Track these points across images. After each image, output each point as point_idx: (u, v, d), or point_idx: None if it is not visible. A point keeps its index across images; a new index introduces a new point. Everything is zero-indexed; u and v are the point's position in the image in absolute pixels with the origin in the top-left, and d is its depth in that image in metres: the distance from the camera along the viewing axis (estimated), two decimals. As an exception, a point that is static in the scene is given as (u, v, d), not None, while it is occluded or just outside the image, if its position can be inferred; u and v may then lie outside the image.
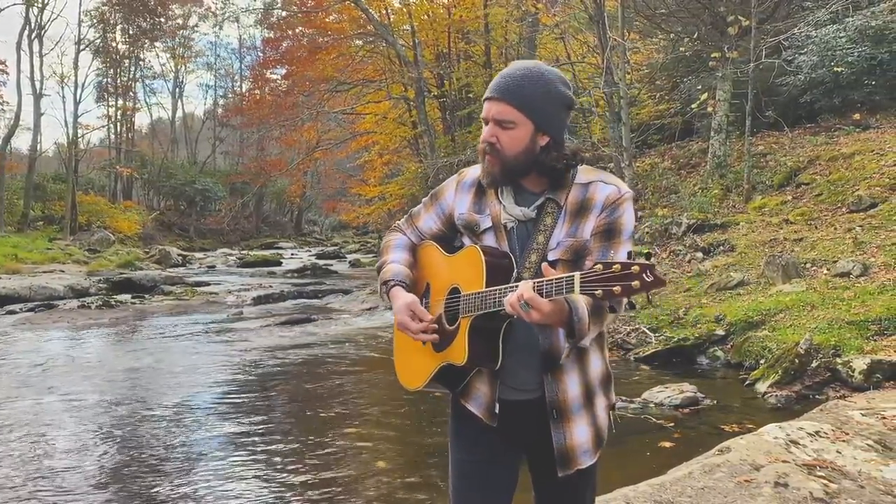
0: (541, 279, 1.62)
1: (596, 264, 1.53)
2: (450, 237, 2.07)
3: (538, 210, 1.87)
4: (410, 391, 2.05)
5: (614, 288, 1.50)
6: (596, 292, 1.52)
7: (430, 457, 5.11)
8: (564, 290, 1.58)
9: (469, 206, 1.98)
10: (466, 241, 1.98)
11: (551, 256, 1.83)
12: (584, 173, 1.89)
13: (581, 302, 1.69)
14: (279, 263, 26.88)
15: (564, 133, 1.89)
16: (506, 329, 1.81)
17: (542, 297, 1.60)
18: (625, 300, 1.64)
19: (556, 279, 1.59)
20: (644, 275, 1.49)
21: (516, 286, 1.67)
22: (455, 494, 1.99)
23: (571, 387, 1.87)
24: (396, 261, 2.04)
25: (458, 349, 1.83)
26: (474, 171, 2.02)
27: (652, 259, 1.55)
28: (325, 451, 5.30)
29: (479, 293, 1.78)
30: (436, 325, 1.89)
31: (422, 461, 5.08)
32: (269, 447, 5.39)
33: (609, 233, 1.83)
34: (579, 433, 1.88)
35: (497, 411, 1.88)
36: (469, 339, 1.80)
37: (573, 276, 1.56)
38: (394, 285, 1.96)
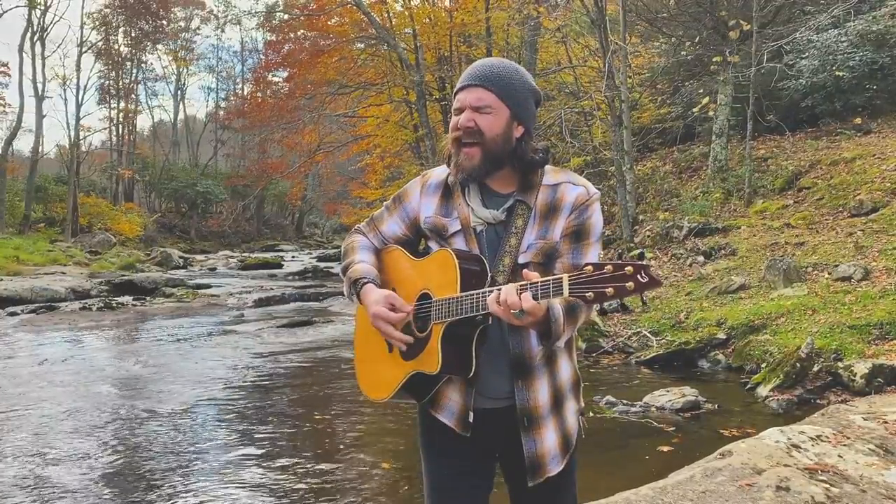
0: (525, 283, 1.57)
1: (586, 265, 1.48)
2: (414, 241, 2.01)
3: (508, 212, 1.83)
4: (376, 402, 1.98)
5: (607, 289, 1.45)
6: (587, 294, 1.47)
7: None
8: (552, 293, 1.53)
9: (436, 209, 1.92)
10: (433, 245, 1.93)
11: (522, 259, 1.79)
12: (551, 174, 1.88)
13: (557, 303, 1.64)
14: (280, 266, 26.88)
15: (534, 126, 1.88)
16: (478, 335, 1.75)
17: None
18: (612, 303, 1.61)
19: (542, 282, 1.54)
20: (638, 275, 1.44)
21: (493, 290, 1.62)
22: None
23: (542, 393, 1.83)
24: (364, 261, 1.97)
25: (431, 357, 1.75)
26: (439, 173, 1.97)
27: (645, 259, 1.52)
28: (328, 452, 5.29)
29: (454, 298, 1.71)
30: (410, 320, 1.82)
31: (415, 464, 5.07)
32: (270, 450, 5.38)
33: (578, 234, 1.81)
34: (548, 439, 1.84)
35: (471, 420, 1.83)
36: (442, 347, 1.73)
37: (561, 277, 1.51)
38: (365, 283, 1.88)
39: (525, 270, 1.60)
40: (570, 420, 1.90)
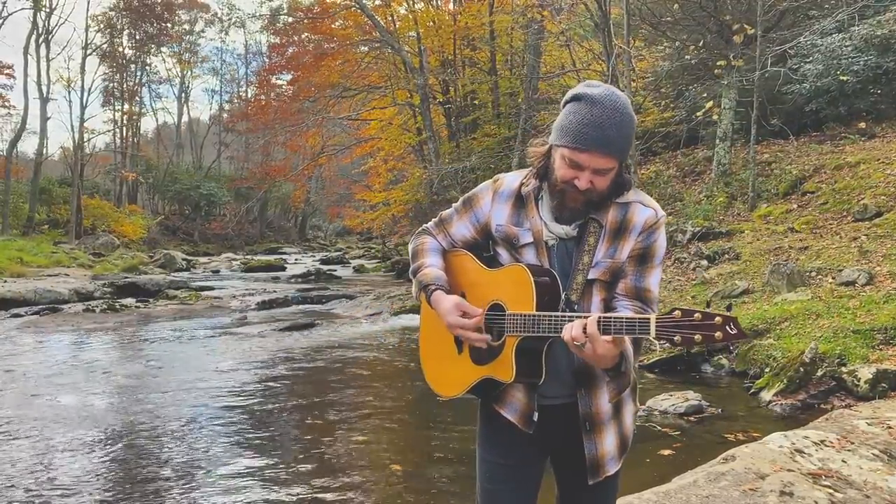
0: (609, 315, 1.63)
1: (674, 310, 1.53)
2: (482, 245, 2.03)
3: (580, 229, 1.85)
4: (443, 397, 2.04)
5: (695, 336, 1.51)
6: (675, 338, 1.53)
7: (438, 458, 5.10)
8: (638, 331, 1.58)
9: (508, 217, 1.93)
10: (502, 251, 1.95)
11: (591, 275, 1.82)
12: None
13: (629, 344, 1.72)
14: (283, 268, 26.90)
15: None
16: (547, 347, 1.81)
17: (609, 333, 1.60)
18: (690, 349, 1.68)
19: (627, 319, 1.60)
20: (727, 327, 1.51)
21: (577, 317, 1.66)
22: (485, 496, 2.00)
23: (604, 399, 1.88)
24: (434, 265, 2.00)
25: (505, 366, 1.82)
26: (511, 180, 1.97)
27: (733, 310, 1.57)
28: (332, 454, 5.29)
29: (531, 315, 1.76)
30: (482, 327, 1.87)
31: (430, 463, 5.07)
32: (274, 451, 5.38)
33: (644, 257, 1.85)
34: (608, 442, 1.90)
35: (535, 419, 1.88)
36: (516, 358, 1.80)
37: (648, 318, 1.56)
38: (435, 289, 1.93)
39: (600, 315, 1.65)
40: (628, 422, 1.97)
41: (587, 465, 1.88)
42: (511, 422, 1.92)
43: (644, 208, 1.86)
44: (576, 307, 1.79)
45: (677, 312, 1.53)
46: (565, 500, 2.03)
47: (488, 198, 1.99)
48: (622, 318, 1.60)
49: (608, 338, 1.61)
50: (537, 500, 2.00)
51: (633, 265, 1.85)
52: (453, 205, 2.10)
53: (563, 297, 1.79)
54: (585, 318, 1.64)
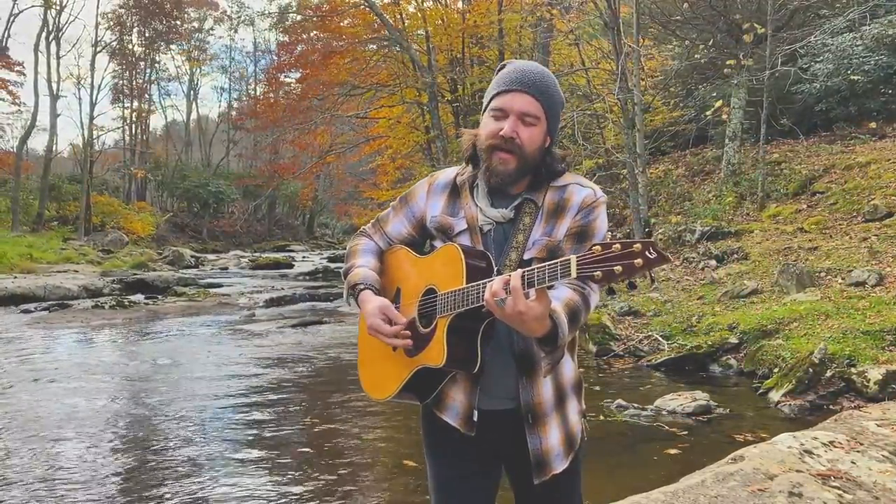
0: (531, 267, 1.54)
1: (594, 245, 1.45)
2: (420, 242, 2.02)
3: (516, 210, 1.84)
4: (378, 401, 1.97)
5: (615, 267, 1.41)
6: (595, 273, 1.43)
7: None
8: (559, 275, 1.48)
9: (442, 208, 1.93)
10: (438, 244, 1.93)
11: (527, 255, 1.79)
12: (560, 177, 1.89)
13: (560, 310, 1.63)
14: (291, 266, 26.96)
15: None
16: (484, 329, 1.74)
17: (532, 285, 1.52)
18: (615, 284, 1.50)
19: (549, 264, 1.50)
20: (647, 252, 1.41)
21: (498, 278, 1.58)
22: None
23: (545, 390, 1.83)
24: (364, 265, 1.98)
25: (436, 350, 1.75)
26: (448, 174, 1.99)
27: (653, 236, 1.49)
28: (344, 451, 5.30)
29: (458, 290, 1.71)
30: (408, 332, 1.81)
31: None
32: (284, 447, 5.40)
33: (582, 235, 1.81)
34: (552, 436, 1.84)
35: (475, 419, 1.83)
36: (447, 339, 1.72)
37: (569, 259, 1.47)
38: (362, 289, 1.89)
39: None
40: (573, 419, 1.90)
41: (532, 462, 1.83)
42: (453, 427, 1.86)
43: (582, 188, 1.85)
44: None
45: (596, 247, 1.44)
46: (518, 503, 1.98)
47: (423, 192, 1.99)
48: (544, 266, 1.51)
49: (532, 293, 1.52)
50: None
51: (571, 243, 1.79)
52: (391, 204, 2.08)
53: (494, 273, 1.73)
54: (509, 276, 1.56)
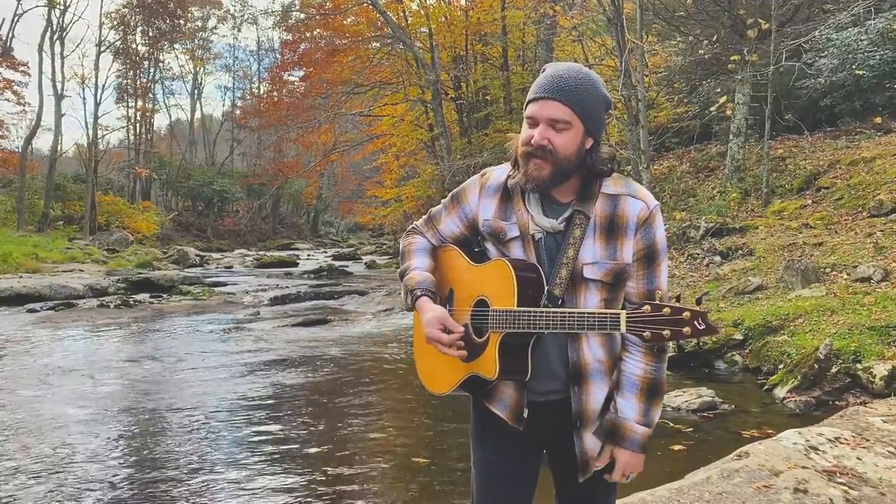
0: (582, 311, 1.68)
1: (643, 305, 1.55)
2: (471, 241, 2.03)
3: (566, 222, 1.83)
4: (435, 394, 2.05)
5: (664, 332, 1.53)
6: (644, 334, 1.56)
7: (461, 451, 5.10)
8: (609, 327, 1.62)
9: (494, 211, 1.92)
10: (489, 246, 1.94)
11: (590, 274, 1.80)
12: (610, 183, 1.86)
13: (637, 407, 1.84)
14: (295, 264, 27.01)
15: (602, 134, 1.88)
16: (534, 343, 1.80)
17: (582, 329, 1.70)
18: (671, 344, 1.66)
19: (599, 314, 1.64)
20: (696, 322, 1.52)
21: (558, 313, 1.71)
22: (480, 493, 2.00)
23: (596, 397, 1.88)
24: (420, 267, 2.00)
25: (488, 363, 1.81)
26: (498, 174, 1.97)
27: (703, 304, 1.57)
28: (351, 448, 5.31)
29: (510, 311, 1.76)
30: (462, 342, 1.87)
31: (453, 456, 5.06)
32: (285, 447, 5.41)
33: (650, 257, 1.84)
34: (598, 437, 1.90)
35: (525, 415, 1.88)
36: (499, 355, 1.79)
37: (619, 314, 1.59)
38: (420, 295, 1.92)
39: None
40: None
41: (578, 461, 1.88)
42: (501, 418, 1.91)
43: (634, 201, 1.84)
44: (559, 302, 1.78)
45: (647, 307, 1.55)
46: (561, 497, 2.04)
47: (476, 193, 1.98)
48: (595, 314, 1.65)
49: (637, 454, 1.85)
50: (534, 498, 2.00)
51: (642, 268, 1.83)
52: (442, 201, 2.09)
53: (545, 291, 1.78)
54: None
